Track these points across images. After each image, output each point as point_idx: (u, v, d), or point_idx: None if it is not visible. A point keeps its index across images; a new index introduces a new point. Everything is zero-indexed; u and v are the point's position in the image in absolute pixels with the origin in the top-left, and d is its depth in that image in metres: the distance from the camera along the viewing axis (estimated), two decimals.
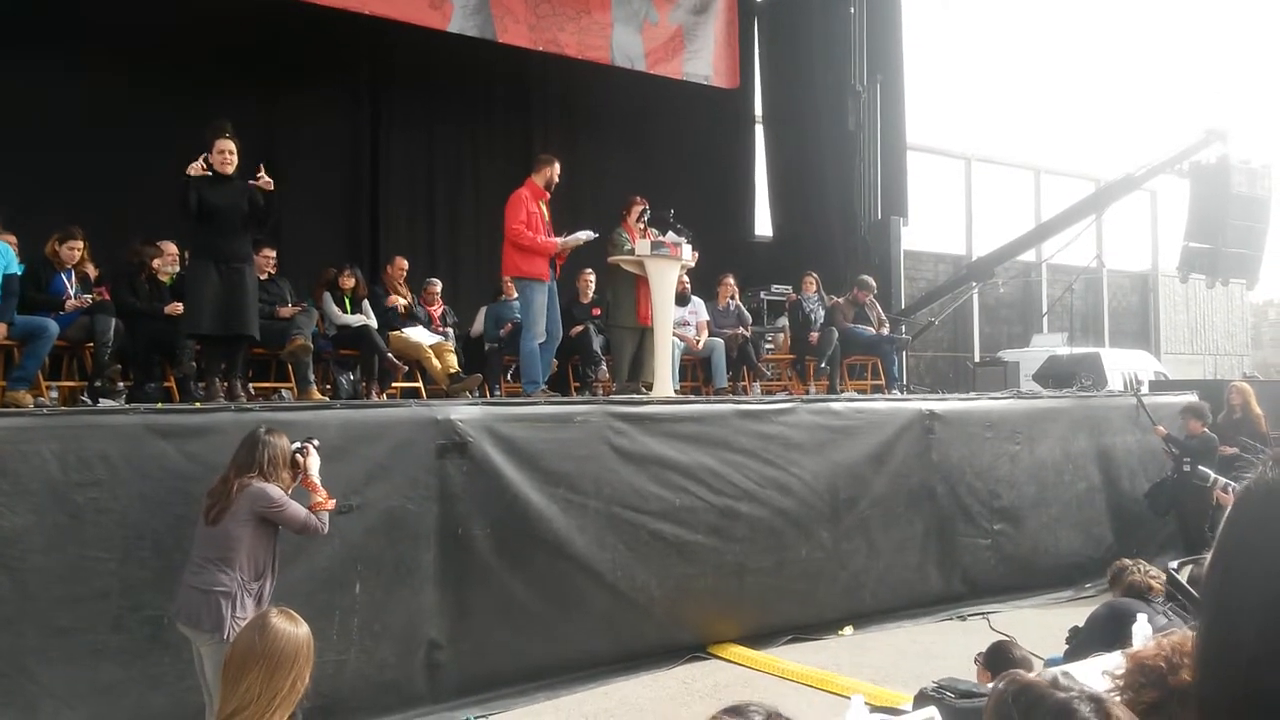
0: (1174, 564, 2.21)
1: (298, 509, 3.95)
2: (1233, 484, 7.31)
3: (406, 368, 7.32)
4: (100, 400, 5.35)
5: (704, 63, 11.48)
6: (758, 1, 12.77)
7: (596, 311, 8.27)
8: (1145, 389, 10.38)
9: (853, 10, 11.24)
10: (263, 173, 5.67)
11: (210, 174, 5.55)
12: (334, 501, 4.15)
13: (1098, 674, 1.67)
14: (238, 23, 8.88)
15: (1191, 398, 8.98)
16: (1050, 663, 3.83)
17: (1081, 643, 3.83)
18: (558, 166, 6.86)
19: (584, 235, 6.85)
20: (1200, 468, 7.49)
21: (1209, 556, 0.95)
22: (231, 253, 5.63)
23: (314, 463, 4.17)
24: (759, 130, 12.88)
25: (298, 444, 4.18)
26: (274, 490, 3.90)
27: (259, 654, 2.21)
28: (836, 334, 8.90)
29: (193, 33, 8.77)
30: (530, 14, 10.17)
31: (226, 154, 5.61)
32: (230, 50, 8.99)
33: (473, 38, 9.87)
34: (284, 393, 6.67)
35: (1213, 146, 9.70)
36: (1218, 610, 0.92)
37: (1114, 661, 1.74)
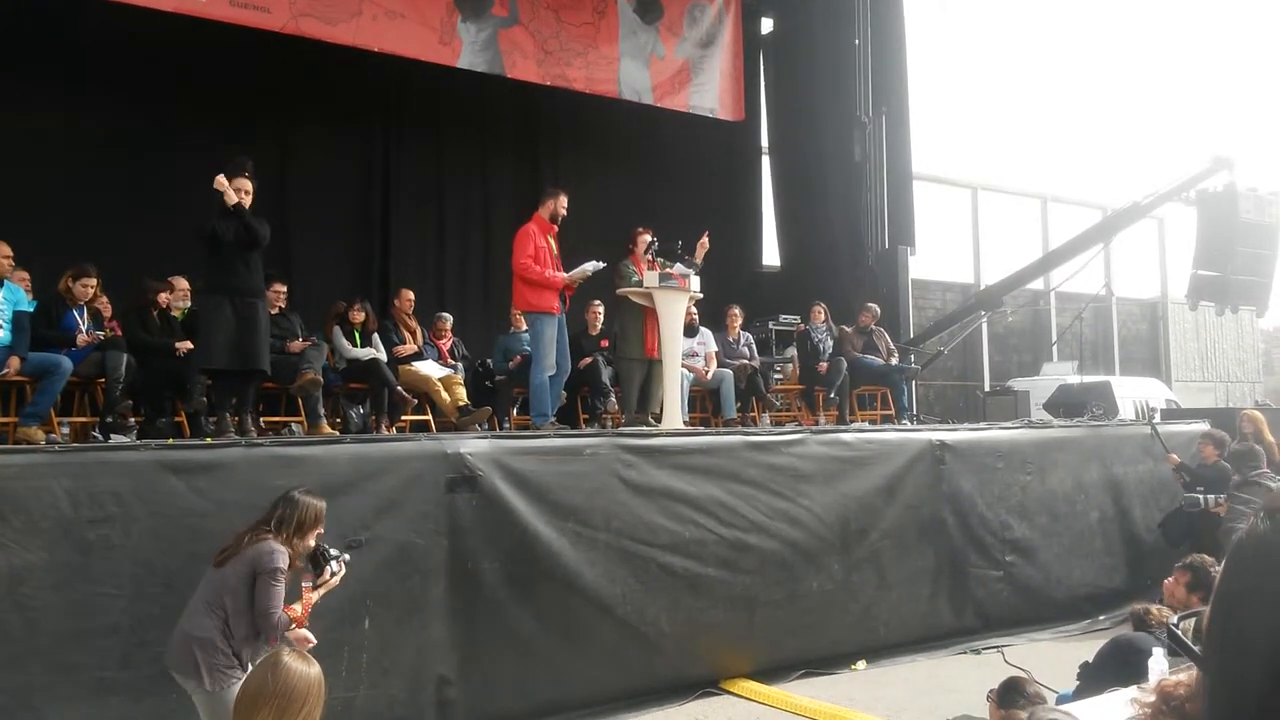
0: (1175, 619, 2.20)
1: (278, 599, 3.64)
2: (1222, 496, 7.31)
3: (416, 401, 7.35)
4: (111, 436, 5.37)
5: (710, 95, 11.59)
6: (763, 34, 12.92)
7: (605, 343, 8.29)
8: (1158, 417, 10.34)
9: (857, 42, 11.34)
10: (221, 178, 5.63)
11: (221, 202, 5.61)
12: (303, 633, 3.71)
13: (1108, 710, 1.66)
14: (249, 59, 9.01)
15: (1204, 426, 8.94)
16: (1062, 699, 3.80)
17: (1092, 678, 3.80)
18: (564, 199, 6.91)
19: (590, 267, 6.89)
20: (1188, 495, 7.49)
21: (1209, 609, 0.95)
22: (245, 287, 5.67)
23: (335, 581, 3.91)
24: (765, 161, 12.97)
25: (337, 551, 3.95)
26: (281, 559, 3.67)
27: (270, 692, 2.22)
28: (845, 364, 8.91)
29: (205, 69, 8.91)
30: (538, 49, 10.30)
31: (244, 193, 5.67)
32: (242, 86, 9.12)
33: (482, 73, 10.00)
34: (294, 427, 6.70)
35: (1219, 174, 9.72)
36: (1222, 661, 0.92)
37: (1133, 695, 1.72)
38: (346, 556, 3.99)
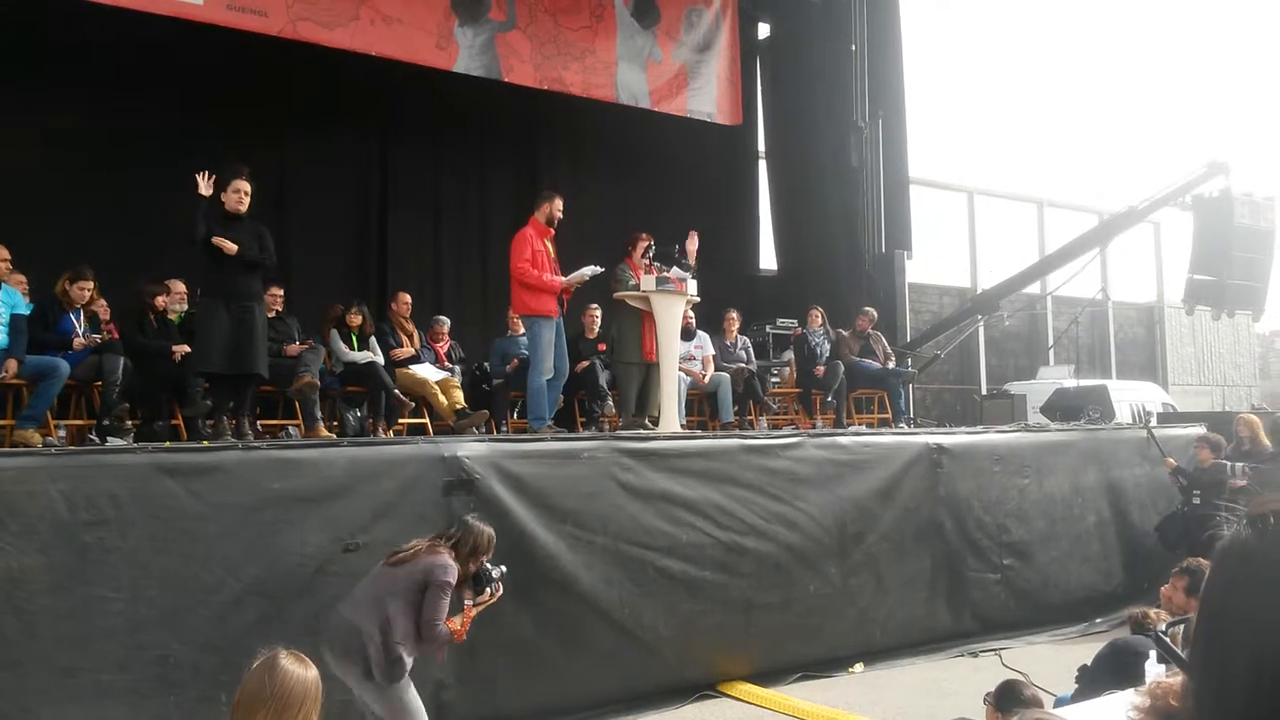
0: (1163, 626, 2.22)
1: (444, 611, 3.92)
2: (1249, 466, 7.45)
3: (413, 404, 7.35)
4: (108, 439, 5.37)
5: (707, 100, 11.61)
6: (760, 39, 12.95)
7: (602, 347, 8.30)
8: (1154, 421, 10.36)
9: (854, 47, 11.38)
10: (202, 179, 5.64)
11: (219, 205, 5.63)
12: (462, 636, 4.09)
13: (1106, 713, 1.67)
14: (247, 63, 9.01)
15: (1200, 430, 8.96)
16: (1060, 701, 3.80)
17: (1090, 681, 3.80)
18: (559, 202, 6.92)
19: (588, 271, 6.89)
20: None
21: (1194, 616, 0.96)
22: (242, 291, 5.68)
23: (493, 599, 4.22)
24: (762, 166, 12.99)
25: (498, 572, 4.21)
26: (452, 575, 3.93)
27: (268, 695, 2.22)
28: (842, 367, 8.92)
29: (202, 73, 8.91)
30: (535, 54, 10.31)
31: (242, 194, 5.69)
32: (239, 90, 9.11)
33: (479, 77, 10.01)
34: (291, 430, 6.69)
35: (1215, 179, 9.76)
36: (1208, 665, 0.93)
37: (1130, 699, 1.73)
38: (503, 569, 4.26)
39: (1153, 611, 4.16)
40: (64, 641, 4.18)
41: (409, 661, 3.83)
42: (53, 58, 8.31)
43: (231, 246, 5.60)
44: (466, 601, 4.10)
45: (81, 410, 6.23)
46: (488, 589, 4.17)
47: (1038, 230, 18.36)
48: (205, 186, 5.54)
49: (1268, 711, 0.86)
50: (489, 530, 4.18)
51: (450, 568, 3.93)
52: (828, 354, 9.22)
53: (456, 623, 4.00)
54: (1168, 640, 1.79)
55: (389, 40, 9.37)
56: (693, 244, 7.39)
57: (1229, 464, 7.88)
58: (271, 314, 6.71)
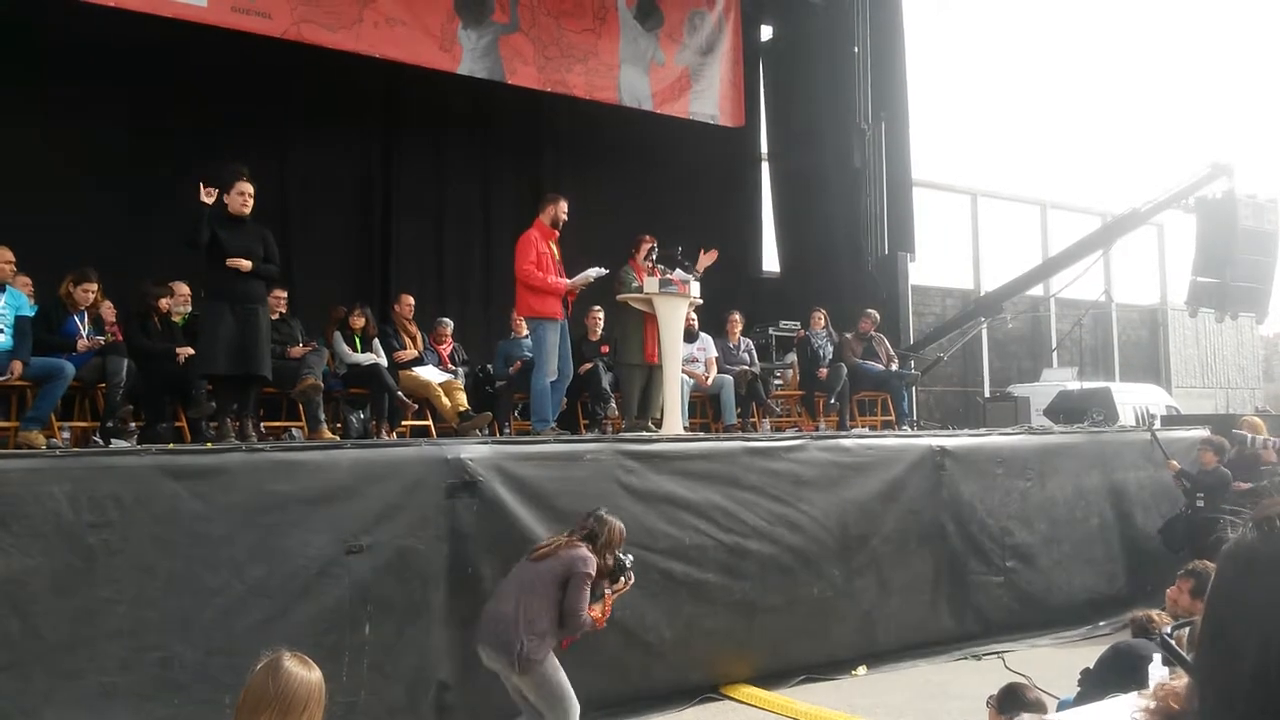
0: (1168, 628, 2.22)
1: (586, 601, 4.22)
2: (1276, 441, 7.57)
3: (416, 406, 7.35)
4: (112, 441, 5.38)
5: (710, 102, 11.61)
6: (762, 41, 12.95)
7: (605, 349, 8.30)
8: (1158, 423, 10.35)
9: (856, 49, 11.38)
10: (203, 188, 5.65)
11: (223, 207, 5.65)
12: (603, 623, 4.39)
13: (1109, 716, 1.66)
14: (250, 65, 9.03)
15: (1203, 432, 8.94)
16: (1063, 704, 3.80)
17: (1093, 684, 3.79)
18: (564, 204, 6.92)
19: (593, 273, 6.90)
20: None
21: (1200, 617, 0.96)
22: (246, 294, 5.70)
23: (627, 587, 4.53)
24: (765, 168, 12.99)
25: (629, 560, 4.55)
26: (592, 567, 4.25)
27: (271, 697, 2.23)
28: (845, 370, 8.91)
29: (205, 75, 8.93)
30: (539, 56, 10.32)
31: (246, 196, 5.69)
32: (243, 93, 9.13)
33: (482, 79, 10.02)
34: (294, 432, 6.70)
35: (1219, 181, 9.75)
36: (1213, 667, 0.93)
37: (1134, 703, 1.73)
38: (631, 557, 4.58)
39: (1155, 614, 4.15)
40: (67, 643, 4.18)
41: (549, 647, 4.13)
42: (56, 59, 8.33)
43: (246, 264, 5.63)
44: (606, 591, 4.40)
45: (85, 412, 6.24)
46: (622, 578, 4.49)
47: (1041, 232, 18.34)
48: (206, 195, 5.55)
49: (1273, 714, 0.86)
50: (619, 525, 4.50)
51: (590, 560, 4.25)
52: (831, 356, 9.22)
53: (597, 610, 4.30)
54: (1173, 642, 1.79)
55: (392, 42, 9.39)
56: (707, 258, 7.38)
57: (1271, 440, 8.05)
58: (275, 316, 6.72)
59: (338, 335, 7.33)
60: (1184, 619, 3.15)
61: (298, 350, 6.74)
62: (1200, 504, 7.83)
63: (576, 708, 4.23)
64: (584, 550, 4.27)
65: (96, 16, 7.91)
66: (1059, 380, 13.20)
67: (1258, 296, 9.74)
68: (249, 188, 5.72)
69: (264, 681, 2.27)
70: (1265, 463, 7.97)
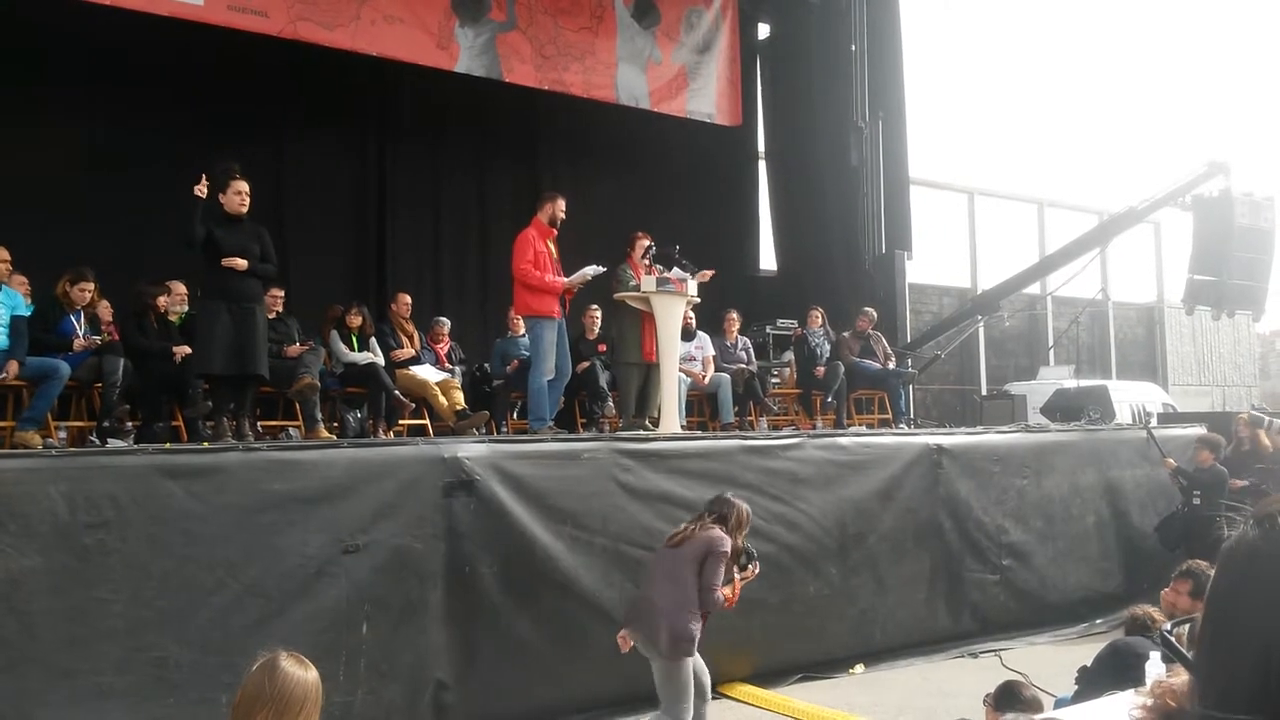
0: (1168, 625, 2.22)
1: (721, 578, 4.38)
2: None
3: (413, 405, 7.34)
4: (108, 441, 5.37)
5: (707, 100, 11.61)
6: (760, 40, 12.94)
7: (602, 348, 8.30)
8: (1154, 421, 10.36)
9: (854, 48, 11.37)
10: (202, 183, 5.65)
11: (219, 206, 5.64)
12: (733, 604, 4.53)
13: (1106, 714, 1.66)
14: (246, 63, 9.01)
15: (1200, 430, 8.95)
16: (1060, 702, 3.80)
17: (1091, 682, 3.80)
18: (561, 203, 6.91)
19: (590, 271, 6.89)
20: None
21: (1201, 614, 0.96)
22: (243, 293, 5.68)
23: (754, 574, 4.71)
24: (762, 166, 12.99)
25: (752, 547, 4.76)
26: (727, 546, 4.43)
27: (267, 697, 2.22)
28: (842, 368, 8.91)
29: (201, 73, 8.91)
30: (536, 54, 10.31)
31: (243, 195, 5.68)
32: (239, 91, 9.12)
33: (479, 77, 10.01)
34: (291, 431, 6.69)
35: (1215, 179, 9.74)
36: (1214, 664, 0.93)
37: (1132, 700, 1.73)
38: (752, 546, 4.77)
39: (1154, 611, 4.15)
40: (63, 643, 4.17)
41: (695, 632, 4.28)
42: (52, 58, 8.31)
43: (242, 263, 5.61)
44: (735, 575, 4.55)
45: (82, 412, 6.23)
46: (749, 565, 4.66)
47: (1038, 230, 18.36)
48: (201, 189, 5.54)
49: (1273, 711, 0.86)
50: (745, 507, 4.65)
51: (725, 540, 4.43)
52: (828, 354, 9.22)
53: (728, 590, 4.43)
54: (1174, 640, 1.79)
55: (390, 40, 9.37)
56: (705, 276, 7.38)
57: None
58: (272, 315, 6.71)
59: (335, 334, 7.33)
60: (1184, 616, 3.15)
61: (294, 349, 6.73)
62: (1197, 501, 7.84)
63: (690, 712, 4.35)
64: (718, 531, 4.46)
65: (93, 15, 7.89)
66: (1056, 378, 13.21)
67: (1254, 294, 9.74)
68: (244, 186, 5.71)
69: (260, 681, 2.26)
70: (1262, 458, 7.96)
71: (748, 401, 8.71)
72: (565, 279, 6.79)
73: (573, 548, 5.55)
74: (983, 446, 7.74)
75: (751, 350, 9.34)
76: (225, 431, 5.71)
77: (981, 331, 14.93)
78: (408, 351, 7.71)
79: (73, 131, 8.37)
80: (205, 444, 5.19)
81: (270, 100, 9.42)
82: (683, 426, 7.35)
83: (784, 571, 6.37)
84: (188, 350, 6.08)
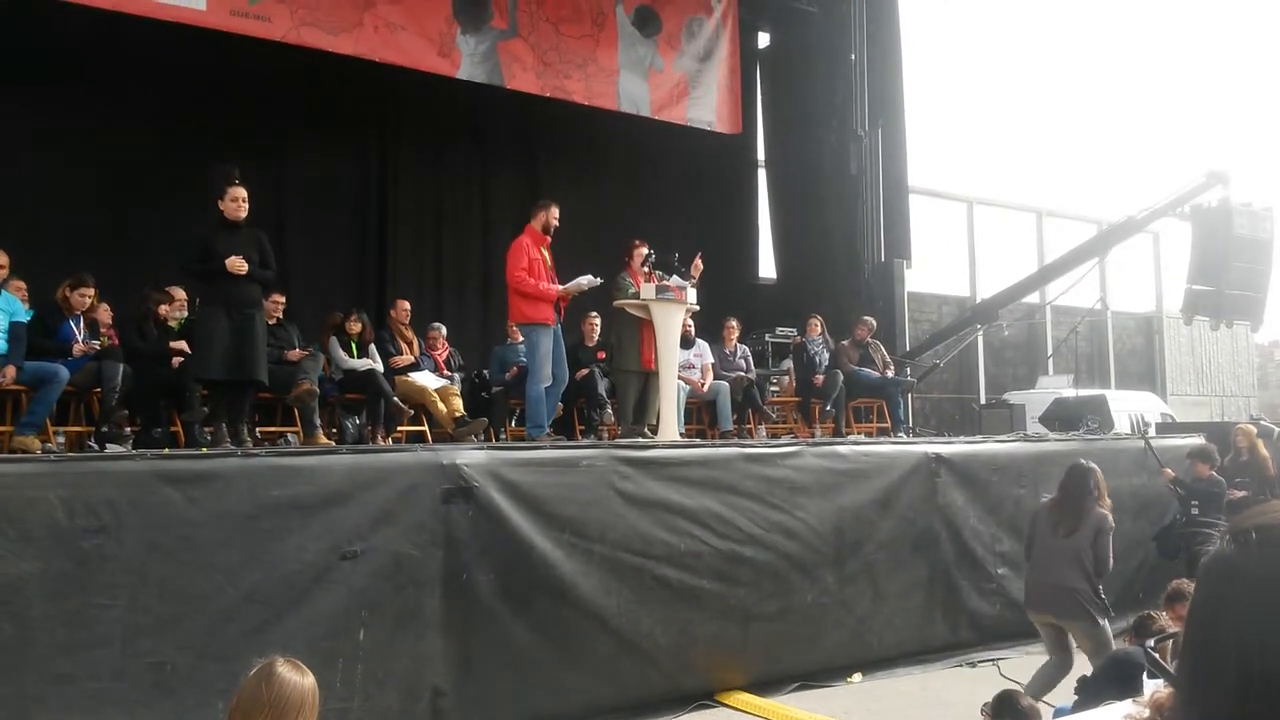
0: (1151, 642, 2.23)
1: (1110, 551, 5.04)
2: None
3: (412, 412, 7.35)
4: (107, 446, 5.37)
5: (707, 108, 11.63)
6: (760, 48, 12.98)
7: (601, 355, 8.30)
8: (1152, 431, 10.36)
9: (854, 57, 11.40)
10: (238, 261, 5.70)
11: (218, 213, 5.66)
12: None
13: None
14: (246, 70, 9.03)
15: (1198, 440, 8.95)
16: (1060, 712, 3.80)
17: (1090, 692, 3.80)
18: (555, 210, 6.93)
19: (585, 281, 6.91)
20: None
21: (1183, 629, 0.97)
22: (242, 299, 5.69)
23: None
24: (761, 174, 13.01)
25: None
26: (1112, 520, 5.12)
27: (264, 703, 2.22)
28: (841, 376, 8.92)
29: (205, 79, 8.93)
30: (537, 61, 10.34)
31: (240, 201, 5.69)
32: (239, 97, 9.14)
33: (480, 85, 10.03)
34: (290, 437, 6.69)
35: (1214, 189, 9.75)
36: (1196, 677, 0.94)
37: (1128, 710, 1.73)
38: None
39: (1164, 617, 4.16)
40: (61, 648, 4.16)
41: (1103, 597, 4.98)
42: (52, 62, 8.32)
43: (243, 266, 5.61)
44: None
45: (80, 417, 6.23)
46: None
47: (1037, 240, 18.38)
48: (234, 267, 5.57)
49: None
50: (1098, 469, 5.26)
51: (1109, 515, 5.10)
52: (827, 363, 9.22)
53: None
54: (1156, 655, 1.80)
55: (392, 47, 9.40)
56: (698, 266, 7.39)
57: None
58: (271, 321, 6.72)
59: (334, 340, 7.33)
60: (1168, 632, 3.15)
61: (294, 355, 6.74)
62: (1195, 511, 7.83)
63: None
64: (1102, 509, 5.07)
65: (93, 20, 7.91)
66: (1054, 388, 13.22)
67: (1253, 304, 9.75)
68: (242, 192, 5.71)
69: (257, 687, 2.26)
70: (1261, 468, 7.95)
71: (746, 409, 8.72)
72: (559, 286, 6.80)
73: (571, 555, 5.54)
74: (981, 455, 7.74)
75: (750, 358, 9.35)
76: (223, 437, 5.71)
77: (980, 340, 14.96)
78: (407, 358, 7.72)
79: (72, 136, 8.38)
80: (204, 449, 5.18)
81: (272, 105, 9.43)
82: (681, 434, 7.35)
83: (782, 580, 6.37)
84: (185, 347, 6.08)
